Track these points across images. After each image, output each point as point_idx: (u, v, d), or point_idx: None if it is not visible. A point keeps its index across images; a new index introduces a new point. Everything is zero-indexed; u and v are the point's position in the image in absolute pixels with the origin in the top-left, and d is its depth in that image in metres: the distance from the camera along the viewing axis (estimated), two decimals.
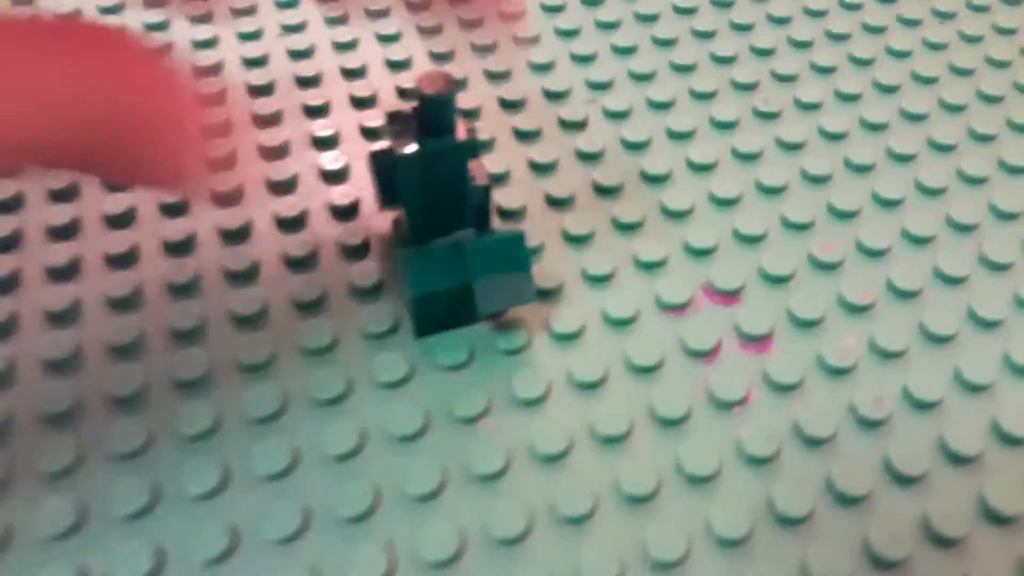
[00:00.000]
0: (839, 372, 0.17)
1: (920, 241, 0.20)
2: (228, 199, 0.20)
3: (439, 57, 0.24)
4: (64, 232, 0.19)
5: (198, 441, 0.16)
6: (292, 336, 0.17)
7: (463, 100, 0.22)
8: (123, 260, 0.19)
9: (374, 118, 0.22)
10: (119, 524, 0.15)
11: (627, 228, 0.20)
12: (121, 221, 0.20)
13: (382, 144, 0.17)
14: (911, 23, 0.25)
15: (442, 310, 0.17)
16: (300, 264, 0.19)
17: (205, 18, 0.25)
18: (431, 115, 0.15)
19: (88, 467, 0.16)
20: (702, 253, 0.19)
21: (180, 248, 0.19)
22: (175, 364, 0.17)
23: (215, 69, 0.23)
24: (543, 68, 0.24)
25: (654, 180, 0.21)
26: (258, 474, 0.15)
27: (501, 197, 0.20)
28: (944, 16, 0.26)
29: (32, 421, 0.16)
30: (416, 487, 0.15)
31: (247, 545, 0.15)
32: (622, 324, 0.18)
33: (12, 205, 0.20)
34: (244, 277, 0.19)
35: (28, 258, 0.19)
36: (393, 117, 0.16)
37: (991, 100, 0.23)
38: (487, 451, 0.16)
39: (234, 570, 0.14)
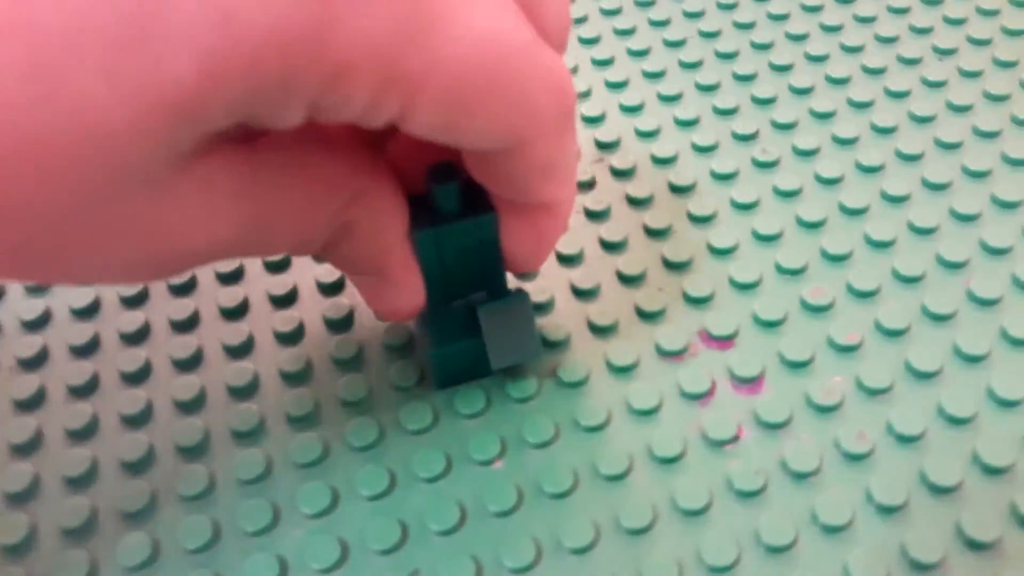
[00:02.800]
0: (825, 409, 0.19)
1: (909, 280, 0.21)
2: (278, 266, 0.23)
3: None
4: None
5: (252, 484, 0.18)
6: (332, 389, 0.20)
7: None
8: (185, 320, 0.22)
9: None
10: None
11: (630, 280, 0.21)
12: (183, 289, 0.23)
13: None
14: (910, 62, 0.27)
15: (459, 365, 0.19)
16: (338, 325, 0.21)
17: None
18: (441, 199, 0.18)
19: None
20: (700, 301, 0.21)
21: (235, 313, 0.22)
22: (231, 417, 0.19)
23: None
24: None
25: (656, 234, 0.22)
26: (302, 511, 0.18)
27: None
28: (944, 53, 0.27)
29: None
30: (438, 523, 0.17)
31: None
32: (624, 371, 0.20)
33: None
34: (290, 338, 0.21)
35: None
36: (412, 199, 0.18)
37: (986, 136, 0.24)
38: (501, 489, 0.18)
39: None
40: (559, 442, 0.19)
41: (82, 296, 0.22)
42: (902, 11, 0.28)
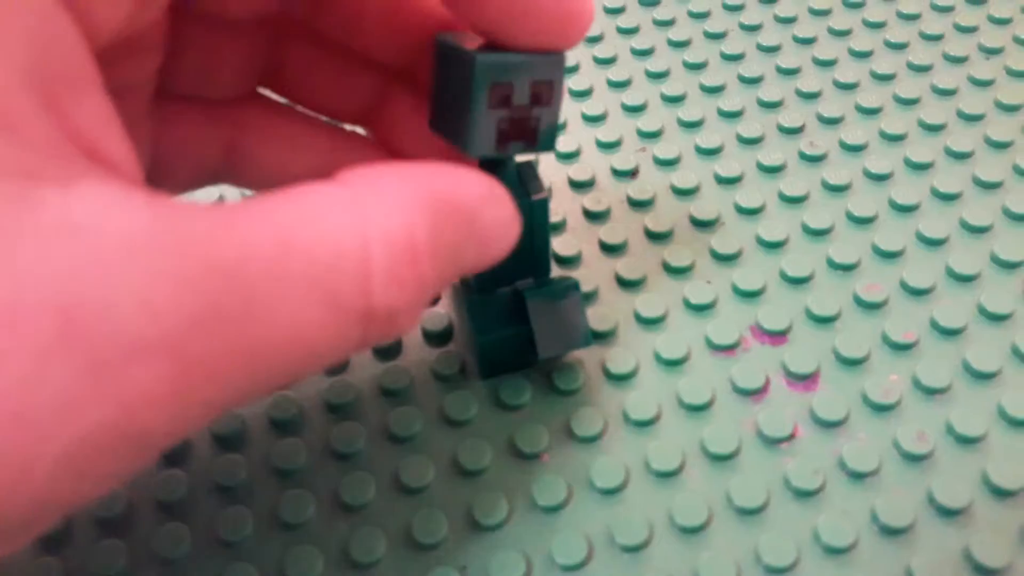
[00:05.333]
0: (883, 408, 0.18)
1: (963, 279, 0.20)
2: None
3: None
4: None
5: (289, 476, 0.18)
6: (373, 378, 0.19)
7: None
8: None
9: None
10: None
11: (677, 272, 0.21)
12: None
13: None
14: (957, 60, 0.26)
15: (505, 354, 0.18)
16: None
17: None
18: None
19: None
20: (750, 295, 0.20)
21: None
22: (271, 409, 0.19)
23: None
24: (596, 119, 0.25)
25: (703, 225, 0.22)
26: (345, 503, 0.17)
27: (557, 244, 0.21)
28: (991, 52, 0.26)
29: None
30: (485, 517, 0.17)
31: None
32: (674, 364, 0.19)
33: None
34: None
35: None
36: None
37: None
38: (550, 483, 0.17)
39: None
40: (608, 436, 0.18)
41: None
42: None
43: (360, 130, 0.19)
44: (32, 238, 0.09)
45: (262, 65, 0.17)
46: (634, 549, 0.16)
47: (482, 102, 0.15)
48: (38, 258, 0.09)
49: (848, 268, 0.21)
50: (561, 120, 0.25)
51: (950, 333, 0.19)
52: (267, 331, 0.10)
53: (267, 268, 0.10)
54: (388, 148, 0.18)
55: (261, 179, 0.18)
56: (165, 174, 0.17)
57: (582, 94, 0.26)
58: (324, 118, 0.18)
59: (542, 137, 0.16)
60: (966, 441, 0.18)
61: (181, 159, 0.17)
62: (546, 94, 0.16)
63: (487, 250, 0.14)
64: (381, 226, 0.11)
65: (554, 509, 0.17)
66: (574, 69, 0.27)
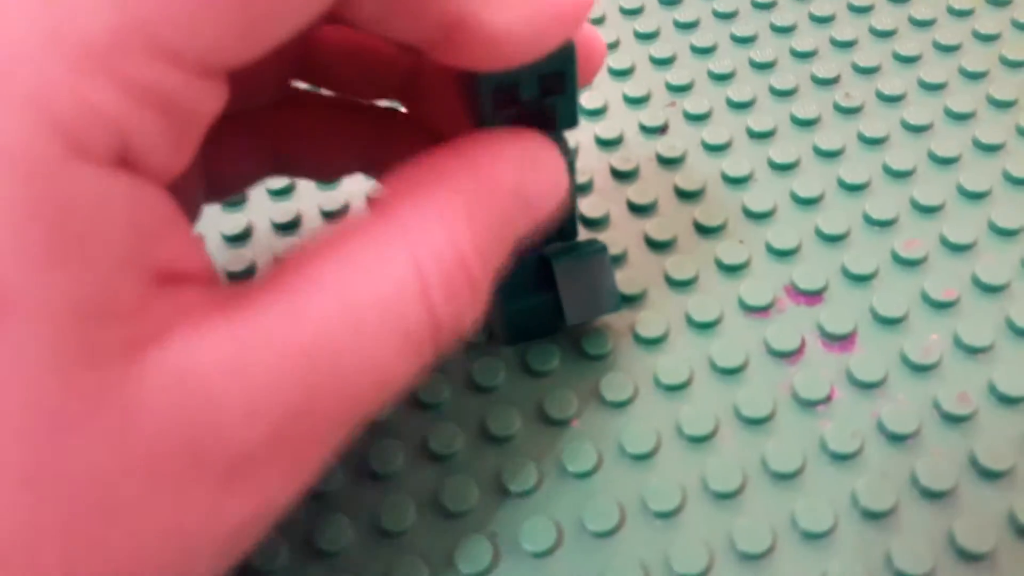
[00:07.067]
0: (923, 368, 0.18)
1: (1007, 234, 0.20)
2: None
3: None
4: None
5: None
6: None
7: None
8: None
9: None
10: None
11: (709, 231, 0.20)
12: None
13: None
14: (1000, 4, 0.25)
15: (531, 321, 0.18)
16: None
17: None
18: None
19: None
20: (784, 254, 0.20)
21: None
22: None
23: None
24: (623, 73, 0.24)
25: (735, 182, 0.21)
26: (374, 471, 0.17)
27: (584, 206, 0.21)
28: None
29: None
30: (515, 484, 0.17)
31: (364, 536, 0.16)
32: (706, 327, 0.19)
33: None
34: None
35: None
36: None
37: None
38: (580, 450, 0.17)
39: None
40: (639, 401, 0.18)
41: None
42: None
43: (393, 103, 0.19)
44: (148, 397, 0.10)
45: (294, 71, 0.17)
46: (667, 515, 0.16)
47: (488, 106, 0.14)
48: (157, 411, 0.10)
49: (886, 224, 0.20)
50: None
51: (993, 290, 0.19)
52: (357, 386, 0.11)
53: (341, 334, 0.11)
54: (421, 120, 0.18)
55: (309, 171, 0.19)
56: (218, 188, 0.17)
57: (608, 47, 0.25)
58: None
59: (561, 121, 0.15)
60: (1010, 401, 0.17)
61: (230, 173, 0.17)
62: (558, 84, 0.15)
63: (535, 212, 0.14)
64: (427, 245, 0.12)
65: (585, 475, 0.17)
66: (599, 21, 0.26)
